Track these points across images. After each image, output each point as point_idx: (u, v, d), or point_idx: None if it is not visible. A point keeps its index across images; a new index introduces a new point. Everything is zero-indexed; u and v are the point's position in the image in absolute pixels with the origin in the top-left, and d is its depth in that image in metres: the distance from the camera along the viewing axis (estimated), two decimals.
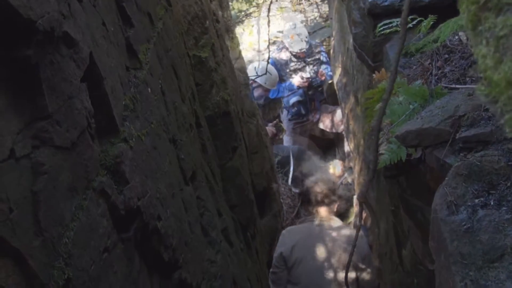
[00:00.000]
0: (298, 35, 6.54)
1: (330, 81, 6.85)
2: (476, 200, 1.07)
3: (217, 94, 2.94)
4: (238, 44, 4.58)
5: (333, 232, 4.36)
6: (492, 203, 1.04)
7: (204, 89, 2.83)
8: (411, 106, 1.72)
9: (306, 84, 6.72)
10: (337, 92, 6.37)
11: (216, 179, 2.63)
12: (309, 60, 6.84)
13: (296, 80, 6.76)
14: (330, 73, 6.83)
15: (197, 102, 2.56)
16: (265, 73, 5.62)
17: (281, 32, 7.02)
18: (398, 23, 2.15)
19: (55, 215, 0.86)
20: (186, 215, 1.75)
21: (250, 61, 7.29)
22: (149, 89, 1.60)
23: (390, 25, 2.28)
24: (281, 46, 6.88)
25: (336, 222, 4.47)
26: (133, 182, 1.21)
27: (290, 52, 6.67)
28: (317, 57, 6.94)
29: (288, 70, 6.86)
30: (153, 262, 1.37)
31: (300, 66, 6.85)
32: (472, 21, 0.69)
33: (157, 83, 1.73)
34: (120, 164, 1.16)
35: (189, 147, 2.07)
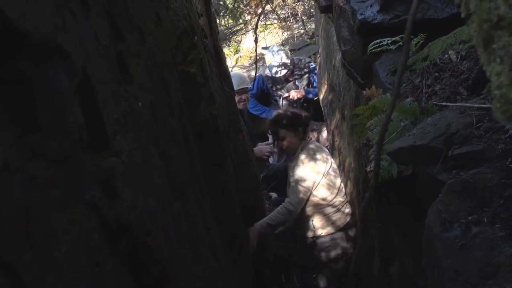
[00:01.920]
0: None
1: (315, 98, 6.89)
2: (470, 217, 1.08)
3: (205, 109, 2.94)
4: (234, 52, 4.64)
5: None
6: (485, 220, 1.05)
7: (192, 104, 2.83)
8: (402, 123, 1.74)
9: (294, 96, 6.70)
10: (322, 109, 6.41)
11: (204, 194, 2.62)
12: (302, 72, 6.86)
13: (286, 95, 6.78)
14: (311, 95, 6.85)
15: (185, 117, 2.56)
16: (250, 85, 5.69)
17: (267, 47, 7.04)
18: (389, 41, 2.19)
19: (47, 228, 0.85)
20: (175, 230, 1.74)
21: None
22: (140, 104, 1.60)
23: (381, 44, 2.32)
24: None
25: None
26: (124, 196, 1.20)
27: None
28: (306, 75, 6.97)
29: (279, 86, 6.87)
30: (142, 277, 1.35)
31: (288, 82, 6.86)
32: (485, 39, 0.70)
33: (147, 97, 1.73)
34: (111, 178, 1.15)
35: (178, 162, 2.06)
